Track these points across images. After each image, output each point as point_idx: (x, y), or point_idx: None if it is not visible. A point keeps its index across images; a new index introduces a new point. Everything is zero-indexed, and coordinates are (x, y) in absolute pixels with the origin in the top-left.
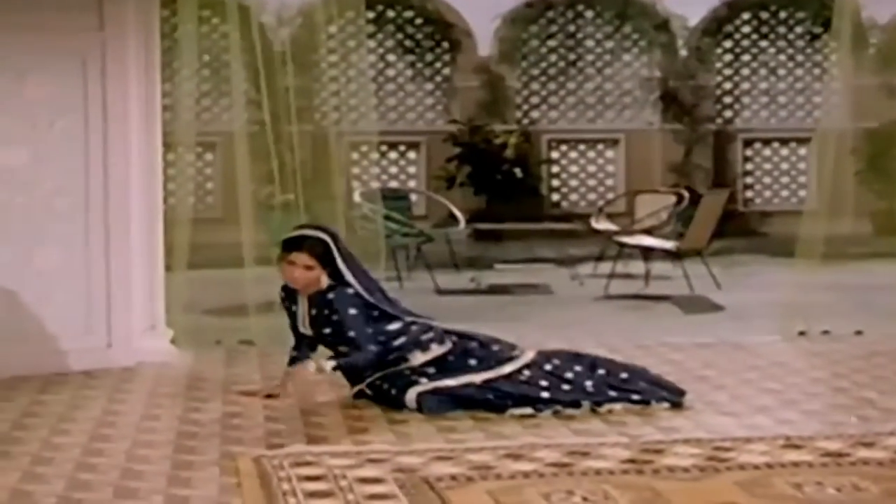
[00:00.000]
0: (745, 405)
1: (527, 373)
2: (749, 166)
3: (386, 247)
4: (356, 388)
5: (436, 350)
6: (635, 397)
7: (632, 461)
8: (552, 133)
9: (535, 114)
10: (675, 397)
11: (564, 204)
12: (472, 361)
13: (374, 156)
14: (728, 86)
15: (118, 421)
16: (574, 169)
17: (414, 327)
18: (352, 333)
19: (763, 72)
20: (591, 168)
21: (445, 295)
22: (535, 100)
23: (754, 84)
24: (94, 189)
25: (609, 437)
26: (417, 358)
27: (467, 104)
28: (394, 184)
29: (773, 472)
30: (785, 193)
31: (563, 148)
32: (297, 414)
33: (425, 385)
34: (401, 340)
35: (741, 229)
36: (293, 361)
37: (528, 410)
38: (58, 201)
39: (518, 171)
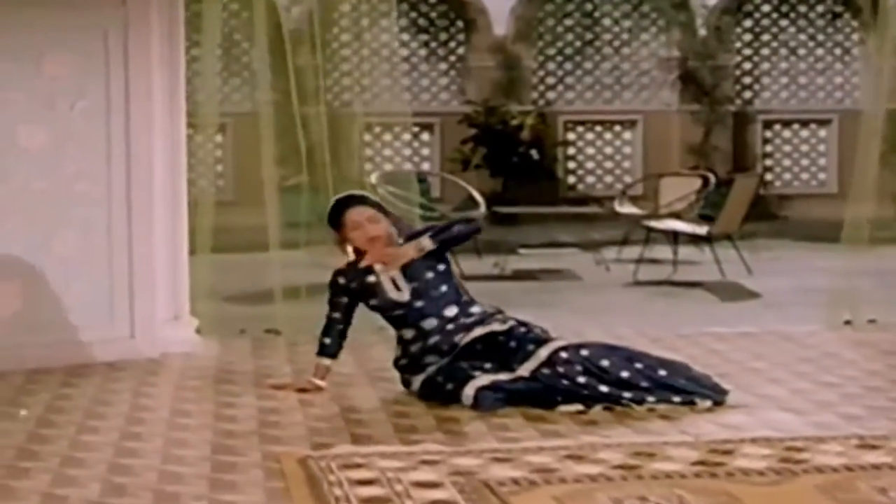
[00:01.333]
0: (806, 400)
1: (564, 355)
2: (769, 148)
3: None
4: (419, 379)
5: (490, 326)
6: (676, 399)
7: (701, 463)
8: (568, 114)
9: (551, 94)
10: (717, 396)
11: (581, 187)
12: (513, 344)
13: (406, 137)
14: (748, 66)
15: (148, 417)
16: (591, 151)
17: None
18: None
19: (783, 51)
20: (608, 150)
21: (470, 281)
22: (551, 80)
23: (774, 64)
24: (116, 172)
25: (672, 437)
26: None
27: (482, 85)
28: (408, 166)
29: (853, 475)
30: (805, 176)
31: (580, 129)
32: (337, 411)
33: (482, 380)
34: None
35: (761, 213)
36: (323, 352)
37: (579, 406)
38: (78, 185)
39: (534, 153)
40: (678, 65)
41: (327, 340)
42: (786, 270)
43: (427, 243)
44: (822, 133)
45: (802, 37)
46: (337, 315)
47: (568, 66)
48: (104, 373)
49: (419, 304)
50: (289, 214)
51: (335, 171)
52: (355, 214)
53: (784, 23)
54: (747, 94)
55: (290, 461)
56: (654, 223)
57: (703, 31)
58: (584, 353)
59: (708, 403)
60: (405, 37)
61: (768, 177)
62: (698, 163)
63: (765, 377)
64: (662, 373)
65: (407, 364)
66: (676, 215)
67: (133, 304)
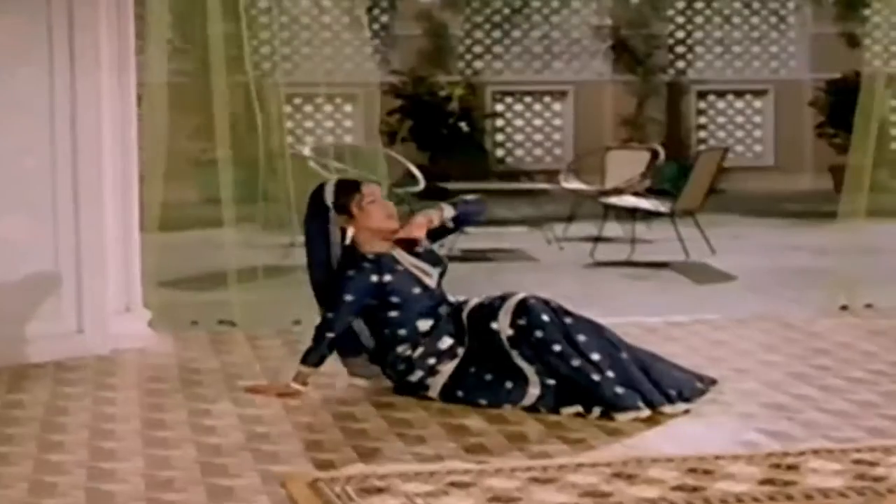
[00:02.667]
0: (847, 401)
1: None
2: (703, 120)
3: None
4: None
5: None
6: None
7: (770, 482)
8: (497, 85)
9: (478, 64)
10: (708, 386)
11: (510, 160)
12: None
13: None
14: (681, 35)
15: (118, 431)
16: (520, 123)
17: None
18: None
19: (717, 20)
20: (538, 122)
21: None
22: (478, 49)
23: (708, 33)
24: (61, 146)
25: (722, 448)
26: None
27: (408, 54)
28: (329, 139)
29: None
30: (740, 148)
31: (509, 100)
32: (331, 419)
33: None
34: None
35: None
36: (307, 360)
37: (578, 408)
38: (20, 161)
39: (464, 126)
40: (610, 33)
41: (317, 347)
42: (751, 249)
43: (448, 210)
44: (758, 104)
45: (737, 4)
46: (349, 319)
47: (496, 34)
48: (53, 374)
49: (437, 289)
50: (208, 190)
51: (255, 144)
52: (372, 187)
53: None
54: (681, 64)
55: (297, 486)
56: (613, 200)
57: None
58: (568, 320)
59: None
60: (326, 3)
61: (702, 149)
62: (632, 135)
63: (783, 371)
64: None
65: (415, 365)
66: (635, 192)
67: (81, 295)
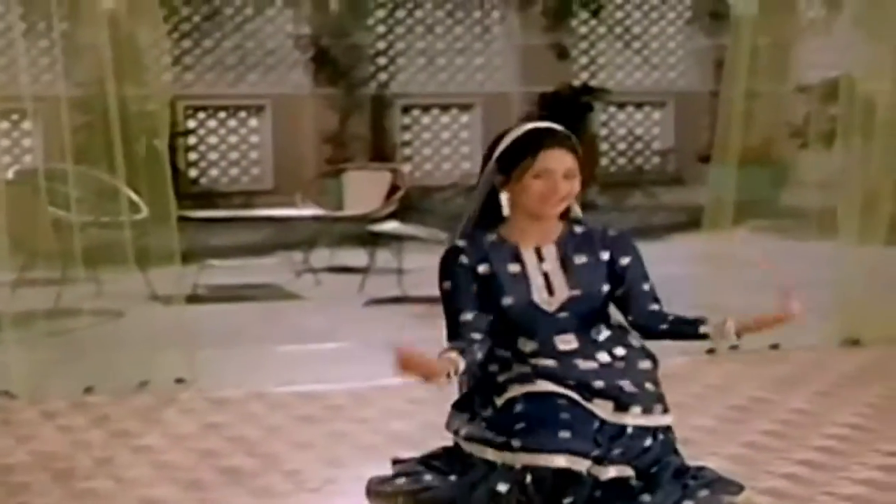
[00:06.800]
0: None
1: None
2: (408, 136)
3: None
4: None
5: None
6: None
7: None
8: (189, 99)
9: (167, 76)
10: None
11: (204, 181)
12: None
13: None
14: (383, 45)
15: None
16: (213, 140)
17: None
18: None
19: (420, 30)
20: (234, 139)
21: (169, 304)
22: (167, 60)
23: (411, 44)
24: None
25: None
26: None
27: (93, 64)
28: (6, 159)
29: None
30: (447, 166)
31: (201, 116)
32: None
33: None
34: None
35: (403, 207)
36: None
37: None
38: None
39: (159, 144)
40: (310, 43)
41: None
42: None
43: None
44: (465, 118)
45: (440, 13)
46: (469, 317)
47: (186, 43)
48: None
49: (563, 314)
50: None
51: None
52: (553, 160)
53: None
54: (384, 77)
55: None
56: (386, 227)
57: (335, 6)
58: None
59: None
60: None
61: (407, 167)
62: (336, 153)
63: (713, 433)
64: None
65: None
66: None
67: None
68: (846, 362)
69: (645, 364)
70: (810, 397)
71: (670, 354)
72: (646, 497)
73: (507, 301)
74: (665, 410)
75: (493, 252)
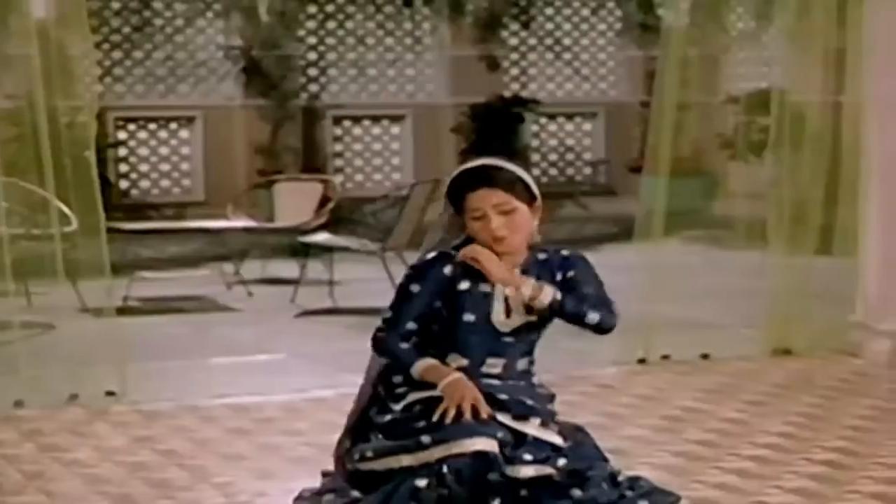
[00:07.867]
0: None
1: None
2: (339, 147)
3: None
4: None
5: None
6: None
7: None
8: (120, 110)
9: (98, 88)
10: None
11: (135, 192)
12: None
13: None
14: (314, 56)
15: None
16: (144, 152)
17: None
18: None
19: (351, 41)
20: (164, 150)
21: (100, 317)
22: (97, 71)
23: (342, 55)
24: None
25: None
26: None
27: (22, 76)
28: None
29: None
30: (378, 177)
31: (132, 127)
32: None
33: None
34: None
35: (335, 218)
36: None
37: None
38: None
39: (89, 156)
40: (241, 54)
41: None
42: None
43: (549, 293)
44: (396, 130)
45: (371, 24)
46: (413, 327)
47: (116, 54)
48: None
49: (508, 339)
50: None
51: None
52: (477, 199)
53: (351, 9)
54: (315, 88)
55: None
56: (317, 238)
57: (266, 17)
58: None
59: None
60: None
61: (339, 178)
62: (268, 165)
63: (648, 443)
64: None
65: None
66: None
67: None
68: (777, 372)
69: (544, 391)
70: (741, 407)
71: (602, 365)
72: (577, 492)
73: (469, 317)
74: (560, 433)
75: (470, 270)
